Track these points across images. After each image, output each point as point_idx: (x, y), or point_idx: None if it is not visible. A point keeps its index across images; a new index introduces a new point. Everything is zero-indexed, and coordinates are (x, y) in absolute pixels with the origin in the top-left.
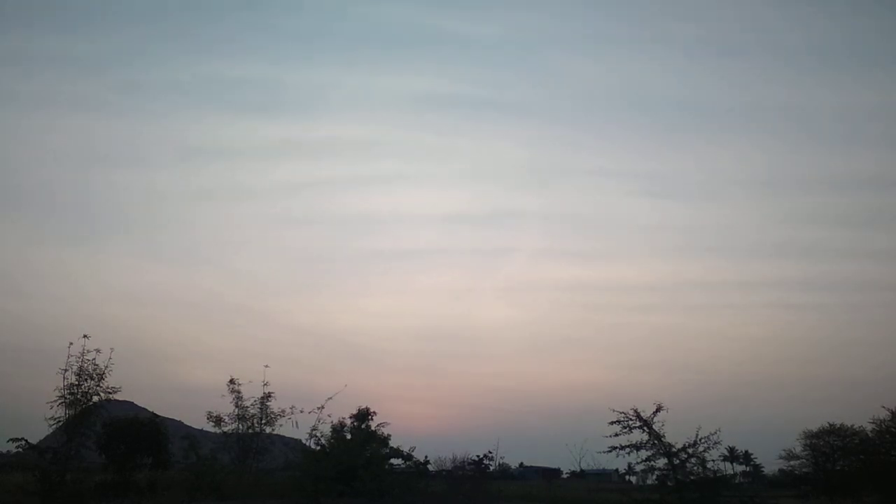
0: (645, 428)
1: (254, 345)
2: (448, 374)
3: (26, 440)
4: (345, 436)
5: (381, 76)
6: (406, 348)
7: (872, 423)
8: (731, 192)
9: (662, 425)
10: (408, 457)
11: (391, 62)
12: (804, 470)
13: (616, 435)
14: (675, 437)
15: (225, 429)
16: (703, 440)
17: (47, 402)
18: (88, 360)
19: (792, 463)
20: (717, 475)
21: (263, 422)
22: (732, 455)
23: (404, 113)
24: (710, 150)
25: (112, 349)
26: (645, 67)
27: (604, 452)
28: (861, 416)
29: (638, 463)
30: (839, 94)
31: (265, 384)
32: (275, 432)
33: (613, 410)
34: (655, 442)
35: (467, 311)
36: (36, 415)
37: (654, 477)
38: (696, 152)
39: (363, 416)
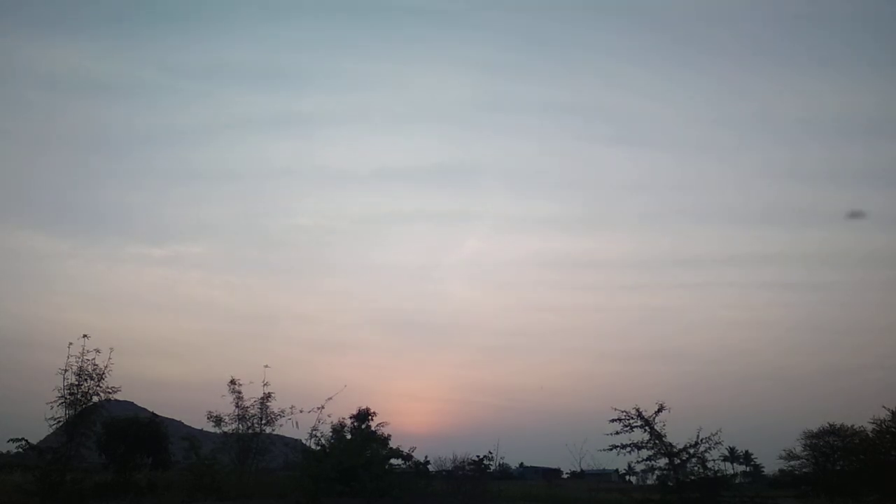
0: (646, 427)
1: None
2: (426, 369)
3: (26, 440)
4: (345, 436)
5: None
6: (370, 338)
7: (873, 422)
8: (717, 137)
9: (664, 425)
10: (407, 457)
11: None
12: (804, 470)
13: (617, 433)
14: (672, 432)
15: (225, 429)
16: (703, 440)
17: (47, 403)
18: (88, 360)
19: (792, 463)
20: (718, 475)
21: (263, 422)
22: (733, 455)
23: (321, 32)
24: (694, 80)
25: (111, 349)
26: None
27: (604, 451)
28: (871, 412)
29: (638, 462)
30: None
31: (265, 384)
32: (275, 432)
33: (615, 409)
34: (656, 442)
35: (433, 293)
36: (36, 415)
37: (655, 477)
38: (679, 85)
39: (363, 416)
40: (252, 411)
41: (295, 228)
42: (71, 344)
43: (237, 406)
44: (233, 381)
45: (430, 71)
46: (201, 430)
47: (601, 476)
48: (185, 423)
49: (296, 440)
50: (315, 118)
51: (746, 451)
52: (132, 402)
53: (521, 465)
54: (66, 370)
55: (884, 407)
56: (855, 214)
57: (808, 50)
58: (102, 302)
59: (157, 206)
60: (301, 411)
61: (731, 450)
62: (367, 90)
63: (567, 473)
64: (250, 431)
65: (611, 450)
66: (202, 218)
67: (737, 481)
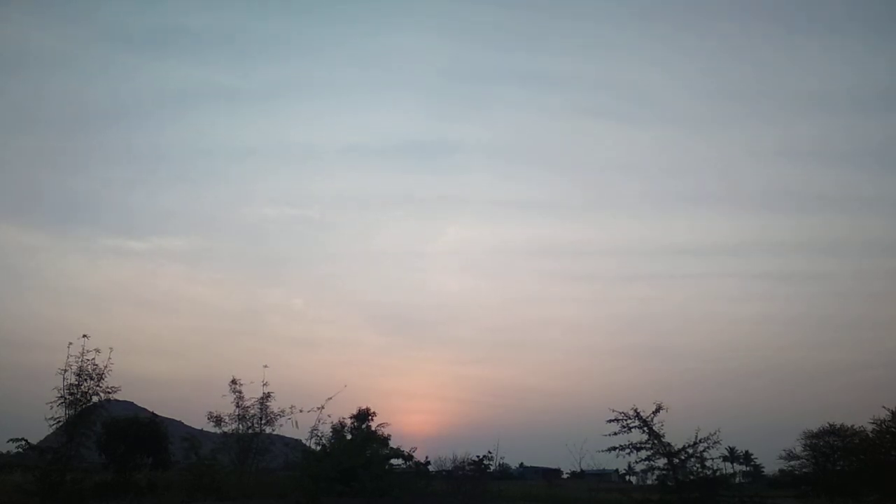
0: (644, 428)
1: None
2: (418, 367)
3: (26, 440)
4: (345, 436)
5: None
6: (358, 336)
7: (873, 422)
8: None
9: (662, 425)
10: (408, 457)
11: None
12: (804, 470)
13: (615, 434)
14: (672, 431)
15: (225, 429)
16: (703, 440)
17: (47, 403)
18: (88, 360)
19: (792, 463)
20: (717, 475)
21: (263, 422)
22: (732, 455)
23: None
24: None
25: (111, 349)
26: None
27: (604, 452)
28: (871, 411)
29: (637, 463)
30: None
31: (265, 384)
32: (275, 432)
33: (612, 410)
34: (655, 442)
35: (418, 286)
36: (36, 415)
37: (654, 477)
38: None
39: (363, 416)
40: (252, 411)
41: (265, 218)
42: (71, 344)
43: (237, 406)
44: (234, 381)
45: (403, 38)
46: (201, 430)
47: (601, 476)
48: (185, 423)
49: (296, 440)
50: (277, 91)
51: (746, 451)
52: (132, 402)
53: (521, 465)
54: (65, 370)
55: (884, 407)
56: None
57: (809, 22)
58: (86, 298)
59: (131, 195)
60: (301, 411)
61: (731, 450)
62: (333, 59)
63: (567, 473)
64: (250, 431)
65: (610, 451)
66: (178, 208)
67: (736, 481)
